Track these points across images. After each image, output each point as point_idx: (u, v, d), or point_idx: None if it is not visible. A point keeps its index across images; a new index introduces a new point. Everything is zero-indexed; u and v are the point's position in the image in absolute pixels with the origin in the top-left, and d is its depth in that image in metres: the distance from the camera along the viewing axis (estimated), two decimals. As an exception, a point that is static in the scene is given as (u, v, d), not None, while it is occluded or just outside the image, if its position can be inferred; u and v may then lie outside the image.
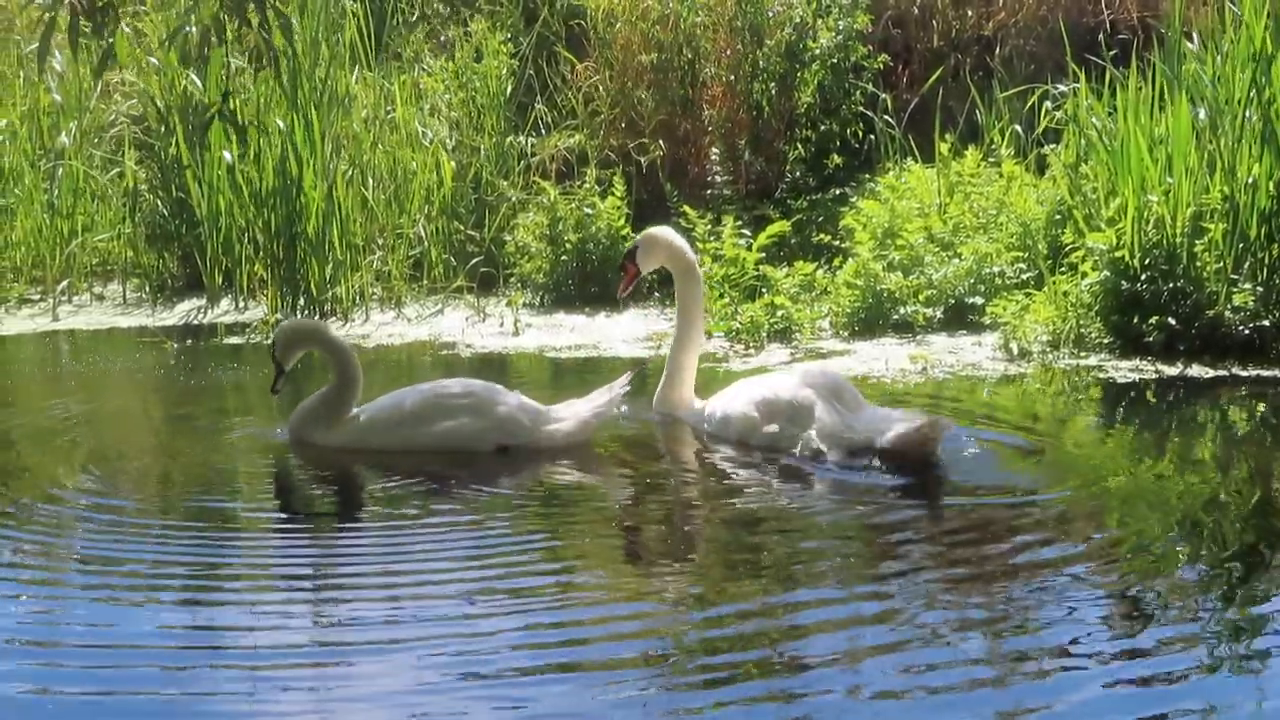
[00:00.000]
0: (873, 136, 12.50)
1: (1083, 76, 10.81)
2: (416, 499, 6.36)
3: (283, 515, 6.48)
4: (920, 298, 10.07)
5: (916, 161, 11.56)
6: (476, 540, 5.73)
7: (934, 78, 12.48)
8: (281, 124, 11.74)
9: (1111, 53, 10.90)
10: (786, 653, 4.47)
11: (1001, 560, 5.30)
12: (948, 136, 11.45)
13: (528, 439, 7.05)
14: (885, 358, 9.16)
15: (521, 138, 12.79)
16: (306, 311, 11.68)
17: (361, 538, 5.98)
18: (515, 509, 6.26)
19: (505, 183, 12.47)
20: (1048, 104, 11.76)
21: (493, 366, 9.61)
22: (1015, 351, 9.14)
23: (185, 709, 4.20)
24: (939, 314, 10.02)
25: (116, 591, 5.24)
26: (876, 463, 6.62)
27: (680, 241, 7.93)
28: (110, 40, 5.96)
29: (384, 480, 6.73)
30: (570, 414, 7.16)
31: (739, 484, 6.64)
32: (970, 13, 13.19)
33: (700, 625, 4.72)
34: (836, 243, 11.02)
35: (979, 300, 9.96)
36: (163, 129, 12.81)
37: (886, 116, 12.37)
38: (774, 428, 6.99)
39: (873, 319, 9.99)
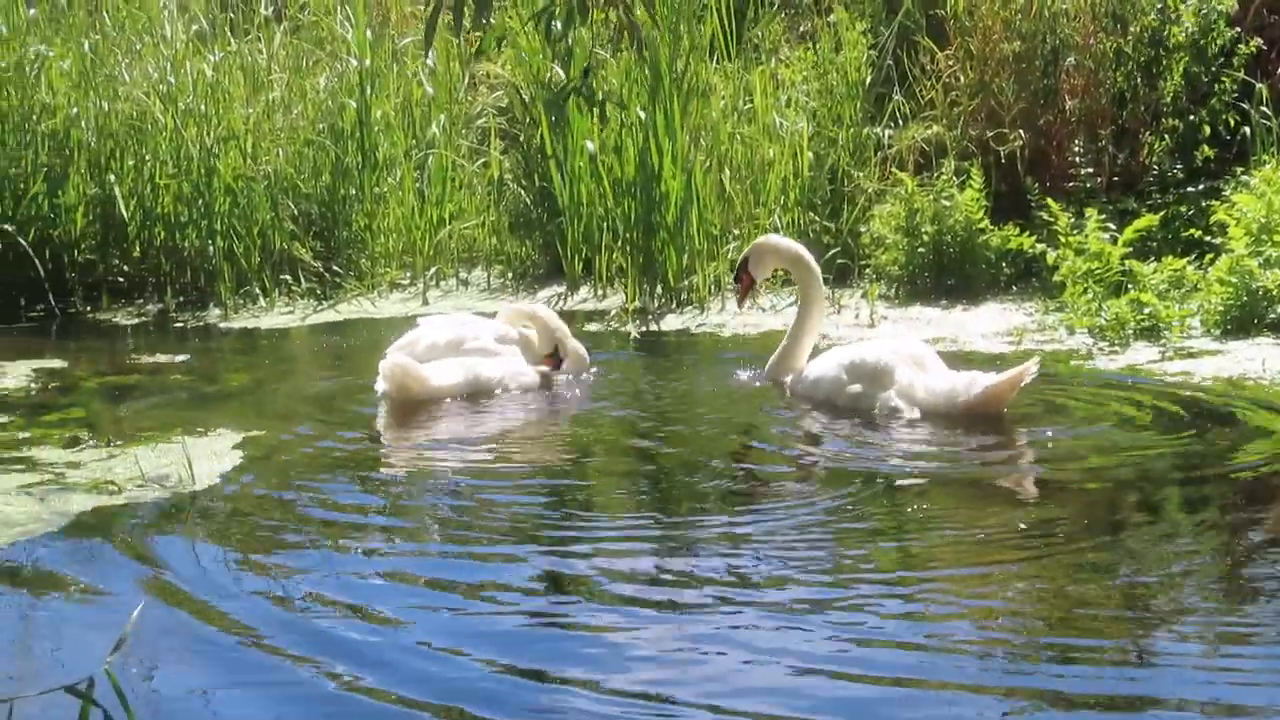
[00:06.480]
0: (1247, 128, 11.98)
1: None
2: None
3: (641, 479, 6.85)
4: (1300, 297, 9.61)
5: (1296, 154, 11.06)
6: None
7: (1313, 66, 11.90)
8: (643, 114, 11.95)
9: None
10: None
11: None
12: (1330, 128, 10.90)
13: None
14: (1262, 358, 8.78)
15: (879, 129, 12.70)
16: (663, 300, 11.88)
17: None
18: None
19: (861, 174, 12.42)
20: None
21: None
22: (1406, 355, 8.67)
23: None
24: (1320, 314, 9.54)
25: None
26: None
27: (785, 241, 9.13)
28: (488, 25, 6.21)
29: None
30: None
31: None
32: (1354, -4, 12.50)
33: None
34: (1207, 238, 10.61)
35: (1365, 300, 9.45)
36: (527, 119, 13.19)
37: (1263, 107, 11.83)
38: (857, 388, 7.79)
39: (1247, 318, 9.58)
